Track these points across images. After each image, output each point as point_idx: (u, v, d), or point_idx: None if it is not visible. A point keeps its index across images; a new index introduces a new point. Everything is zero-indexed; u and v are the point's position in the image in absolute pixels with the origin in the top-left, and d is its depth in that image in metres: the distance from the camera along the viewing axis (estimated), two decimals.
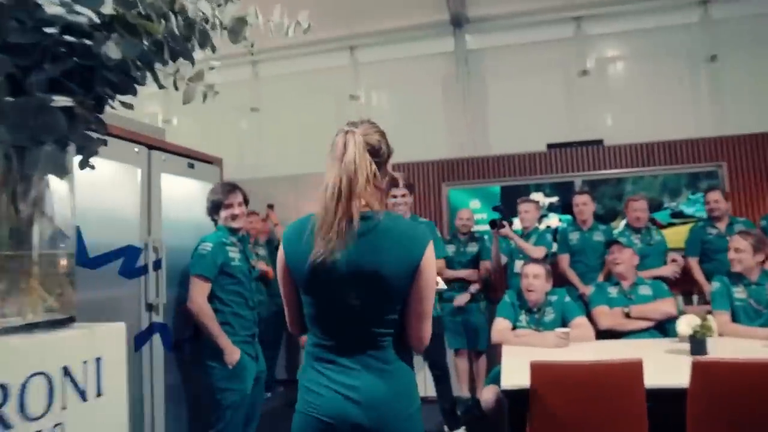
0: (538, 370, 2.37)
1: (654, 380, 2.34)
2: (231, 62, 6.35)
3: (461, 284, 4.72)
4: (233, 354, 2.85)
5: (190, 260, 2.91)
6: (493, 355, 4.12)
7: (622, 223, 5.24)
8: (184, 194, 3.19)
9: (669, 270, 4.50)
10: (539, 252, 4.27)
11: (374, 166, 1.38)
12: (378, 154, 1.41)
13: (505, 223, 4.42)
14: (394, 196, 3.78)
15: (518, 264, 4.38)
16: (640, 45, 5.77)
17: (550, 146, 5.65)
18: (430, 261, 1.35)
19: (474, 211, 5.40)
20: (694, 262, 4.69)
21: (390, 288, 1.32)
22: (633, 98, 5.77)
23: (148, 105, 6.74)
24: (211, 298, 2.87)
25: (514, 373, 2.59)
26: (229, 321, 2.93)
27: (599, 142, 5.61)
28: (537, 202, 4.86)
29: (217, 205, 3.00)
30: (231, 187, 3.02)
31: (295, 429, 1.44)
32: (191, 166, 3.26)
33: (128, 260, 2.69)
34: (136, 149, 2.87)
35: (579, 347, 3.18)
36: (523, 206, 4.70)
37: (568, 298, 3.60)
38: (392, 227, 1.34)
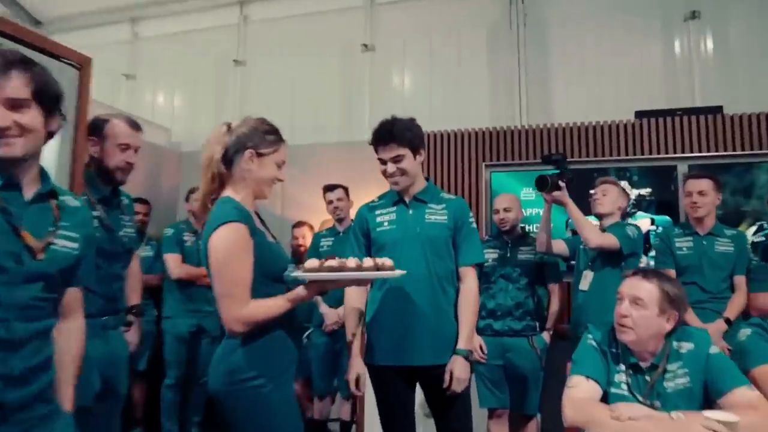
0: None
1: None
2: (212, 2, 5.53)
3: (509, 308, 3.17)
4: None
5: None
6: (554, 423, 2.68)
7: (752, 229, 3.67)
8: None
9: None
10: (600, 238, 2.90)
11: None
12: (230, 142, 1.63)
13: (562, 181, 2.94)
14: (330, 201, 3.68)
15: (588, 274, 3.06)
16: None
17: (640, 114, 4.17)
18: (212, 244, 1.51)
19: (524, 205, 3.87)
20: None
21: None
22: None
23: (107, 54, 5.82)
24: None
25: None
26: None
27: (717, 109, 3.98)
28: (622, 188, 3.29)
29: None
30: None
31: None
32: None
33: None
34: None
35: None
36: (601, 188, 3.18)
37: (714, 349, 1.90)
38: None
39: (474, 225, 2.22)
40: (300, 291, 1.57)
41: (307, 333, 3.76)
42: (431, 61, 5.06)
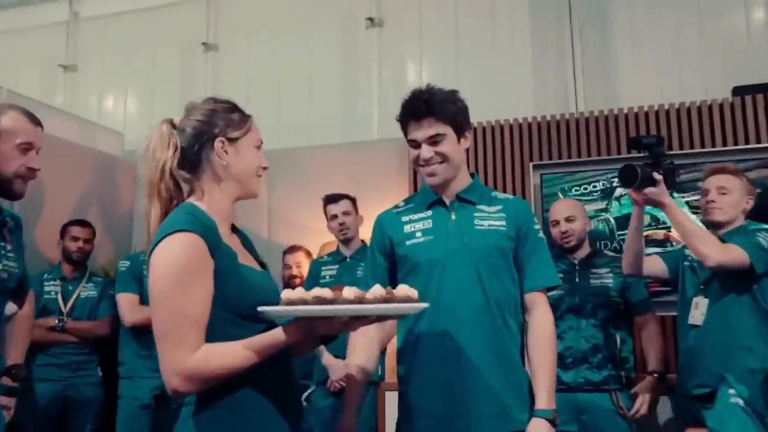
0: None
1: None
2: None
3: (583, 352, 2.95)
4: None
5: None
6: None
7: None
8: None
9: None
10: (722, 252, 2.55)
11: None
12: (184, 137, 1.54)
13: (658, 173, 2.59)
14: (334, 216, 3.61)
15: (700, 302, 2.73)
16: None
17: (738, 91, 3.99)
18: (151, 264, 1.41)
19: (590, 214, 3.68)
20: None
21: None
22: None
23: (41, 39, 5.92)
24: None
25: None
26: None
27: None
28: (747, 179, 2.92)
29: None
30: None
31: None
32: None
33: None
34: None
35: None
36: (715, 180, 2.81)
37: None
38: None
39: (542, 234, 2.03)
40: (277, 334, 1.38)
41: (307, 393, 3.64)
42: (457, 37, 5.03)
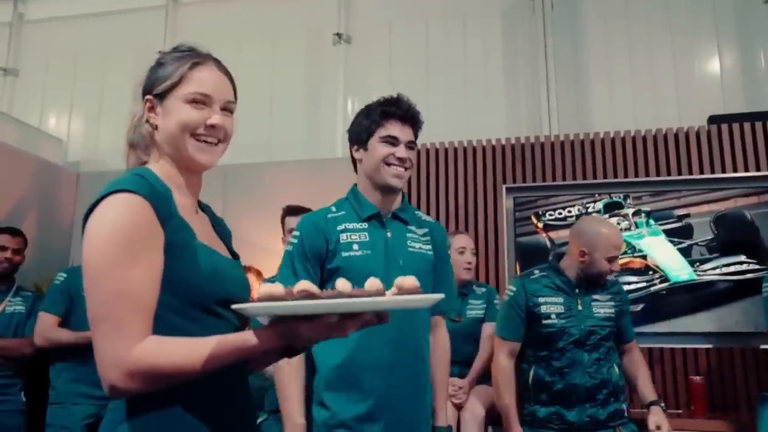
0: None
1: None
2: None
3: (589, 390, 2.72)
4: None
5: None
6: None
7: None
8: None
9: None
10: None
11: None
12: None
13: None
14: (292, 230, 2.87)
15: None
16: None
17: (714, 119, 3.95)
18: (87, 228, 1.17)
19: (564, 240, 3.64)
20: None
21: None
22: None
23: None
24: None
25: None
26: None
27: None
28: None
29: None
30: None
31: None
32: None
33: None
34: None
35: None
36: None
37: None
38: None
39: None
40: (247, 337, 1.14)
41: (259, 421, 3.39)
42: (427, 56, 4.98)
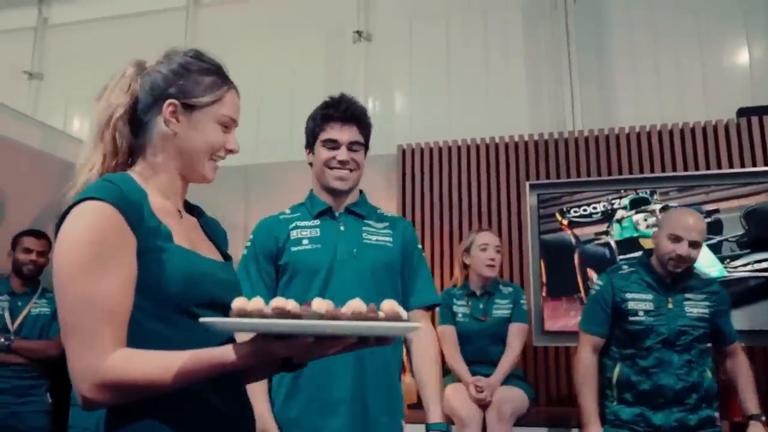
0: None
1: None
2: None
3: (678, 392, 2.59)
4: None
5: None
6: None
7: None
8: None
9: None
10: None
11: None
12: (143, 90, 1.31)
13: None
14: None
15: None
16: None
17: (743, 112, 3.85)
18: (59, 238, 1.15)
19: (589, 237, 3.66)
20: None
21: None
22: None
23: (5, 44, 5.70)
24: None
25: None
26: None
27: None
28: None
29: None
30: None
31: None
32: None
33: None
34: None
35: None
36: None
37: None
38: None
39: (424, 254, 2.14)
40: (224, 353, 1.11)
41: None
42: (448, 52, 4.89)
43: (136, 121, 1.29)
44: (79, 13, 5.55)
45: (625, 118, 4.21)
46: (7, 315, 3.32)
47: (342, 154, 1.95)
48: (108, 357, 1.10)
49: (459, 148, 4.09)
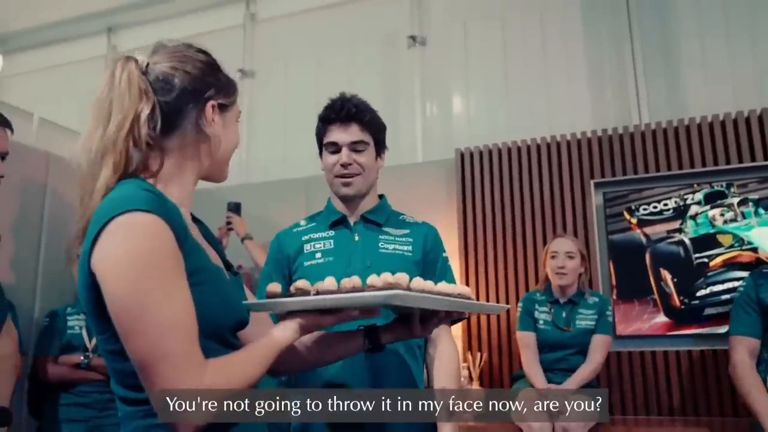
0: None
1: None
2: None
3: None
4: None
5: None
6: None
7: None
8: None
9: None
10: None
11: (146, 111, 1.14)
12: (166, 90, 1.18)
13: None
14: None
15: None
16: None
17: None
18: (105, 256, 1.01)
19: (661, 235, 3.49)
20: None
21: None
22: None
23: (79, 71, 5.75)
24: None
25: None
26: None
27: None
28: None
29: None
30: None
31: None
32: None
33: None
34: None
35: None
36: None
37: None
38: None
39: (450, 262, 1.98)
40: (279, 332, 1.21)
41: None
42: (505, 51, 4.78)
43: (163, 126, 1.17)
44: (291, 4, 5.40)
45: (696, 107, 3.99)
46: (84, 333, 3.40)
47: (343, 156, 1.87)
48: (206, 374, 1.04)
49: (519, 149, 4.00)
